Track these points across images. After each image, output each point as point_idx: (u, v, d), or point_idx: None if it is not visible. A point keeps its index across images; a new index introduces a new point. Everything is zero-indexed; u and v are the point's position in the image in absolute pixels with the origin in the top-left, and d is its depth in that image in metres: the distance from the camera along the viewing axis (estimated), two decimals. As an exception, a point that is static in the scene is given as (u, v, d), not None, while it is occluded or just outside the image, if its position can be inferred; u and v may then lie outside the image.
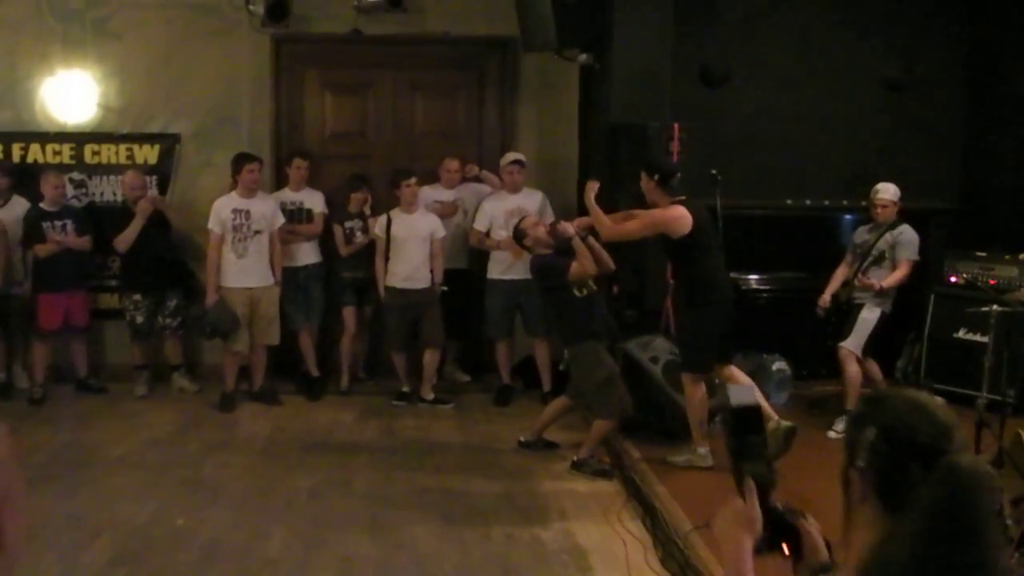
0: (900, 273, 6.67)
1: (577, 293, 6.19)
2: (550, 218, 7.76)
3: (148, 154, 8.25)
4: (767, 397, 7.21)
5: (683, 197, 5.87)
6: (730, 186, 7.05)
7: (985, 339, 5.43)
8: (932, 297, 7.47)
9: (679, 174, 5.93)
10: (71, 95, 8.13)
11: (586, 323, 6.21)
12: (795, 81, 8.34)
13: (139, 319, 7.75)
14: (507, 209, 7.66)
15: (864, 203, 7.12)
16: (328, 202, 8.00)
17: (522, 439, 6.73)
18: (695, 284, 5.97)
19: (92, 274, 8.08)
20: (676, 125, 6.86)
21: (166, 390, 8.02)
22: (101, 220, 7.87)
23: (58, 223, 7.64)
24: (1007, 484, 4.89)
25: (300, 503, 5.71)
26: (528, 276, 7.60)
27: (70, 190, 8.07)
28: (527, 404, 7.81)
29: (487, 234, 7.73)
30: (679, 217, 5.75)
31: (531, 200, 7.73)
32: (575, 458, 6.30)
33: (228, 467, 6.32)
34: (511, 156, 7.77)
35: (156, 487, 5.90)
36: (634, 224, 5.99)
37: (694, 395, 5.96)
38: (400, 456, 6.61)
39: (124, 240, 7.59)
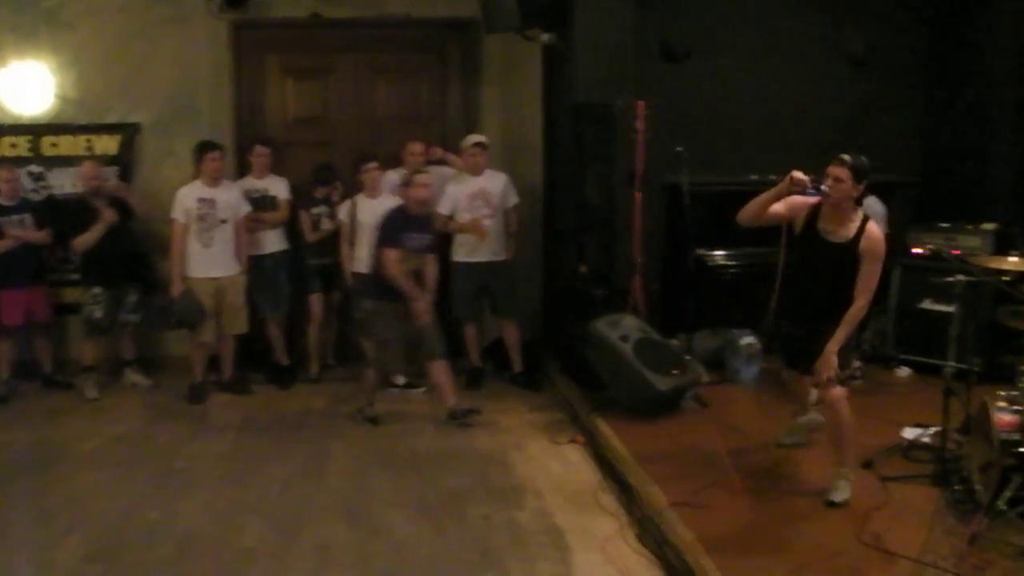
0: None
1: None
2: (513, 201, 7.76)
3: (108, 145, 8.13)
4: (737, 372, 7.29)
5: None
6: (694, 163, 7.08)
7: (950, 309, 5.46)
8: (898, 268, 7.53)
9: None
10: (26, 86, 8.00)
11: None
12: (757, 57, 8.37)
13: (98, 313, 7.56)
14: (470, 192, 7.63)
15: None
16: (293, 189, 7.93)
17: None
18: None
19: (53, 268, 7.97)
20: (641, 103, 6.86)
21: (118, 388, 7.85)
22: (62, 212, 7.72)
23: (15, 217, 7.49)
24: (974, 451, 4.97)
25: (274, 492, 5.68)
26: (494, 258, 7.63)
27: (28, 183, 7.94)
28: (498, 386, 7.82)
29: (451, 217, 7.69)
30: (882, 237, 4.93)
31: (495, 182, 7.70)
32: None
33: (200, 459, 6.27)
34: (473, 138, 7.72)
35: (128, 481, 5.84)
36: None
37: (848, 411, 5.03)
38: (373, 441, 6.58)
39: (84, 242, 7.45)
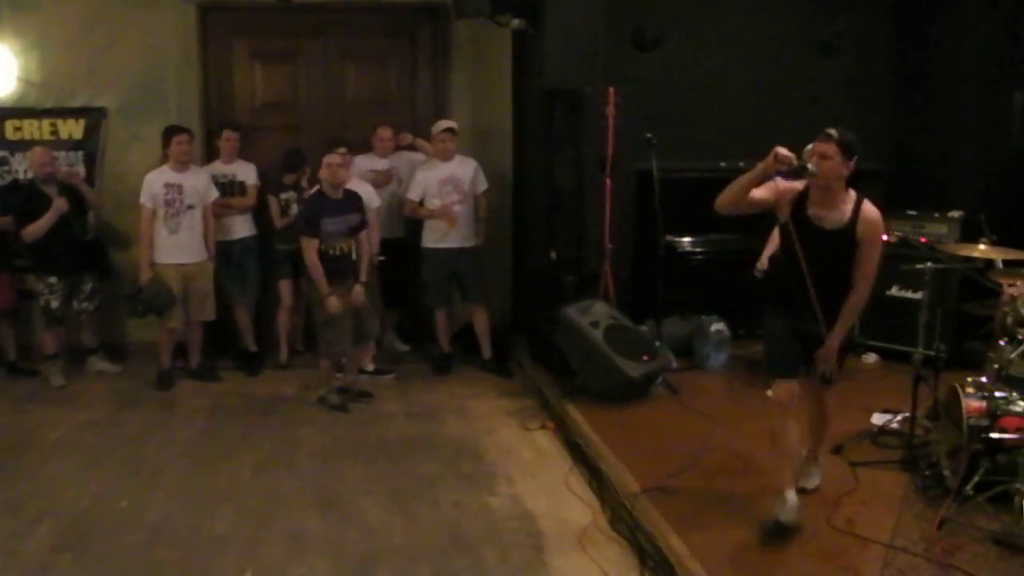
0: None
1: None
2: (483, 186, 7.75)
3: (73, 129, 8.03)
4: (707, 359, 7.34)
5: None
6: (665, 149, 7.09)
7: (917, 296, 5.53)
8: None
9: None
10: (-11, 69, 7.88)
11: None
12: (726, 44, 8.40)
13: (54, 303, 7.44)
14: (440, 178, 7.61)
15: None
16: (261, 174, 7.86)
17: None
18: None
19: (17, 254, 7.84)
20: (612, 89, 6.86)
21: (83, 375, 7.77)
22: (11, 198, 7.47)
23: (-22, 203, 7.40)
24: (943, 436, 5.03)
25: (245, 480, 5.65)
26: (464, 244, 7.62)
27: (-9, 167, 7.82)
28: (467, 372, 7.83)
29: (421, 203, 7.66)
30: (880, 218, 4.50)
31: (465, 168, 7.68)
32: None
33: (169, 446, 6.22)
34: (443, 124, 7.69)
35: (96, 470, 5.79)
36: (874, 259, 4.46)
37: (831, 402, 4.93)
38: (343, 428, 6.57)
39: (32, 232, 7.28)
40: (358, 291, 6.87)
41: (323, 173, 6.75)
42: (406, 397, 7.22)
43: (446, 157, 7.64)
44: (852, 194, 4.45)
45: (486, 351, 7.88)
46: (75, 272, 7.55)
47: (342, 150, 7.42)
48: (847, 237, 4.38)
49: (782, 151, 4.27)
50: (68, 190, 7.47)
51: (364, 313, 6.94)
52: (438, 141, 7.63)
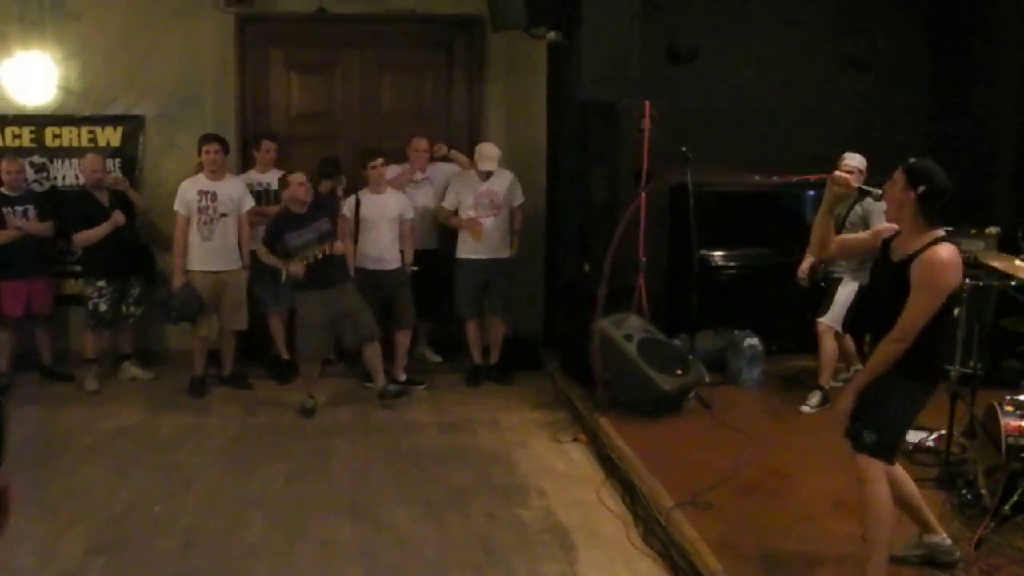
0: None
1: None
2: (519, 200, 7.76)
3: (111, 136, 8.10)
4: (740, 374, 7.29)
5: (943, 232, 3.98)
6: (697, 163, 7.06)
7: (953, 312, 5.46)
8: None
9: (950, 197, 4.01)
10: (30, 77, 7.96)
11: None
12: (762, 59, 8.38)
13: (103, 307, 7.55)
14: (477, 190, 7.62)
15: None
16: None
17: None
18: (918, 349, 3.90)
19: (55, 259, 7.94)
20: (647, 103, 6.84)
21: (116, 381, 7.82)
22: (63, 204, 7.71)
23: (19, 208, 7.49)
24: (980, 455, 4.97)
25: (277, 488, 5.67)
26: (496, 256, 7.62)
27: (31, 174, 7.90)
28: (500, 385, 7.81)
29: (455, 212, 7.67)
30: (955, 267, 3.88)
31: (501, 181, 7.68)
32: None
33: (202, 453, 6.26)
34: (485, 151, 7.63)
35: (130, 475, 5.82)
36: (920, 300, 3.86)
37: (879, 491, 4.02)
38: (375, 438, 6.58)
39: (86, 239, 7.43)
40: (350, 290, 7.08)
41: (293, 192, 6.87)
42: (438, 408, 7.22)
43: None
44: (934, 234, 3.91)
45: (492, 357, 7.92)
46: (124, 276, 7.64)
47: (379, 161, 7.47)
48: (902, 272, 3.89)
49: (840, 174, 4.05)
50: (117, 196, 7.58)
51: (359, 313, 7.04)
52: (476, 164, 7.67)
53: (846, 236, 4.32)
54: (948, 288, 3.85)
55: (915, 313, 3.83)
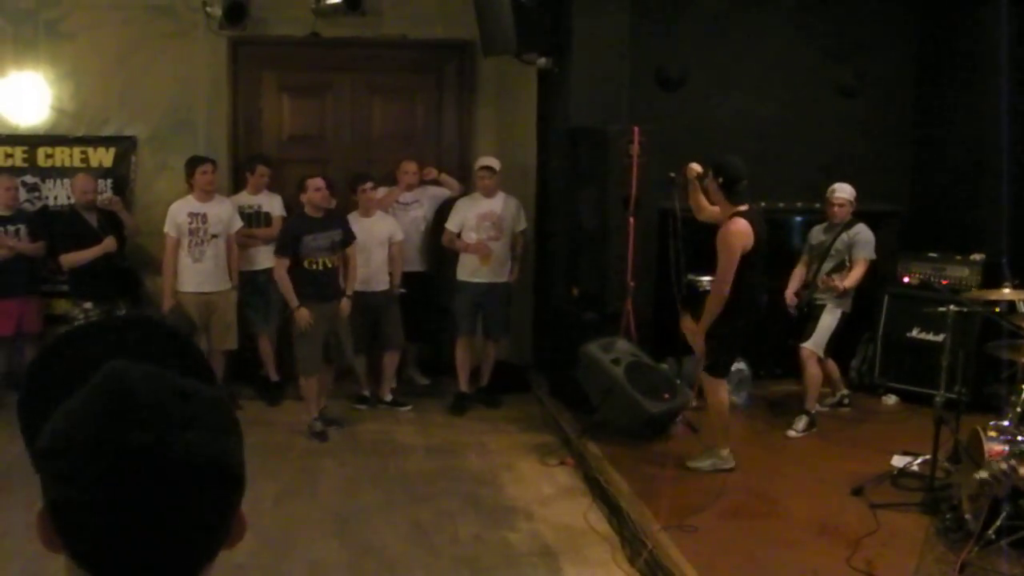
0: (858, 272, 6.79)
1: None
2: (522, 225, 7.81)
3: (103, 157, 8.14)
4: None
5: (745, 206, 5.67)
6: (686, 189, 7.11)
7: (938, 338, 5.55)
8: (886, 297, 7.61)
9: (746, 181, 5.69)
10: (23, 97, 8.00)
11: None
12: (750, 86, 8.45)
13: None
14: (479, 212, 7.65)
15: (818, 205, 7.27)
16: (287, 206, 7.93)
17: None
18: (734, 295, 5.62)
19: (46, 279, 7.94)
20: (636, 128, 6.92)
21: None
22: (53, 225, 7.70)
23: (11, 228, 7.50)
24: (965, 480, 5.02)
25: (265, 508, 5.67)
26: (493, 280, 7.66)
27: (23, 193, 7.92)
28: (486, 409, 7.82)
29: (458, 235, 7.71)
30: (742, 234, 5.54)
31: (506, 206, 7.71)
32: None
33: (190, 473, 6.24)
34: (482, 161, 7.73)
35: (118, 495, 5.81)
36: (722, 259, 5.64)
37: (717, 398, 5.97)
38: (363, 460, 6.60)
39: (73, 260, 7.41)
40: (345, 305, 7.06)
41: (312, 196, 6.91)
42: (426, 431, 7.24)
43: (487, 193, 7.68)
44: (734, 209, 5.67)
45: (482, 380, 7.93)
46: (110, 298, 7.61)
47: (368, 184, 7.50)
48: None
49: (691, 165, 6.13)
50: (108, 217, 7.59)
51: (340, 333, 7.07)
52: (477, 178, 7.71)
53: (712, 209, 5.93)
54: (740, 248, 5.51)
55: (722, 266, 5.58)
